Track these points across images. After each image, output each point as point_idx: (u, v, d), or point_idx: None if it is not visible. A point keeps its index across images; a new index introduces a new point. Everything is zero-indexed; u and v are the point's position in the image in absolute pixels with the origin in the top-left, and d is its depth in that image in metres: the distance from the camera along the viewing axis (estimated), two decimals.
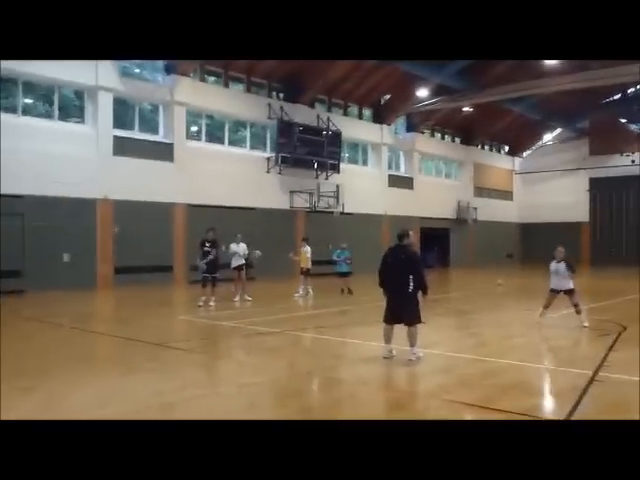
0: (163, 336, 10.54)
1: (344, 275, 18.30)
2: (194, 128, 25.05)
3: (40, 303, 16.06)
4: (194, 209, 23.33)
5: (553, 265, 11.75)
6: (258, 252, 16.72)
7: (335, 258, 18.67)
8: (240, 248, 16.30)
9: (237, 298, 15.88)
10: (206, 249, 14.81)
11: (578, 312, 11.44)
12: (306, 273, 18.05)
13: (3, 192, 17.96)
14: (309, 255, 18.13)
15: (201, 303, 14.61)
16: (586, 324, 11.24)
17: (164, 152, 22.98)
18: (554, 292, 11.63)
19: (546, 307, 11.74)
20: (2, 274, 17.92)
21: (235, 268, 16.24)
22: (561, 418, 4.60)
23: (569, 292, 11.49)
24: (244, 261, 16.27)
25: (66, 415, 5.67)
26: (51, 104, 20.48)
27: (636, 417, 5.64)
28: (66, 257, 19.90)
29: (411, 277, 8.10)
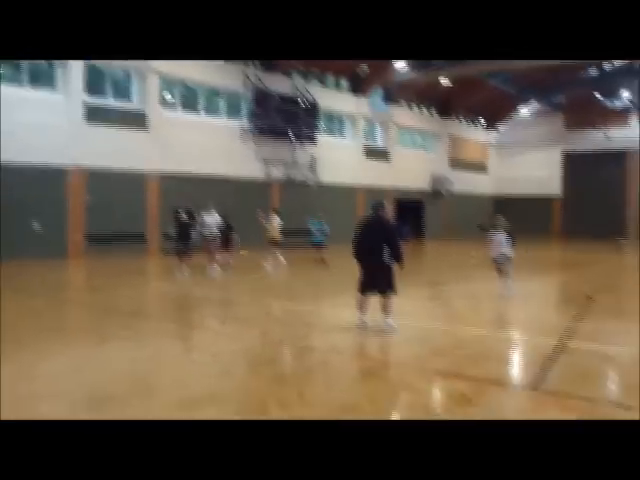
0: (137, 305, 10.51)
1: (318, 246, 18.33)
2: (168, 97, 24.64)
3: (10, 272, 15.84)
4: (168, 178, 23.08)
5: (492, 233, 11.96)
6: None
7: (311, 228, 18.70)
8: (213, 218, 16.18)
9: (212, 268, 15.79)
10: (181, 219, 14.69)
11: (504, 276, 11.62)
12: (275, 244, 18.01)
13: None
14: (277, 225, 18.08)
15: (184, 272, 14.54)
16: (511, 292, 11.42)
17: (137, 120, 22.61)
18: (496, 260, 11.73)
19: (501, 276, 11.77)
20: None
21: (208, 238, 16.15)
22: (559, 418, 4.67)
23: (505, 259, 11.61)
24: (217, 231, 16.17)
25: (41, 384, 5.65)
26: (21, 71, 19.96)
27: (599, 385, 5.79)
28: (36, 226, 19.58)
29: (386, 247, 8.14)
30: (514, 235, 11.79)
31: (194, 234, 15.12)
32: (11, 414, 4.77)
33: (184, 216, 14.70)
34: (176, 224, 14.70)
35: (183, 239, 14.68)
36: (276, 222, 18.05)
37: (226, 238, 17.01)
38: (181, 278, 14.32)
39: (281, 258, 17.77)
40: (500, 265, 11.70)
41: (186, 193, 20.86)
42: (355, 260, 8.57)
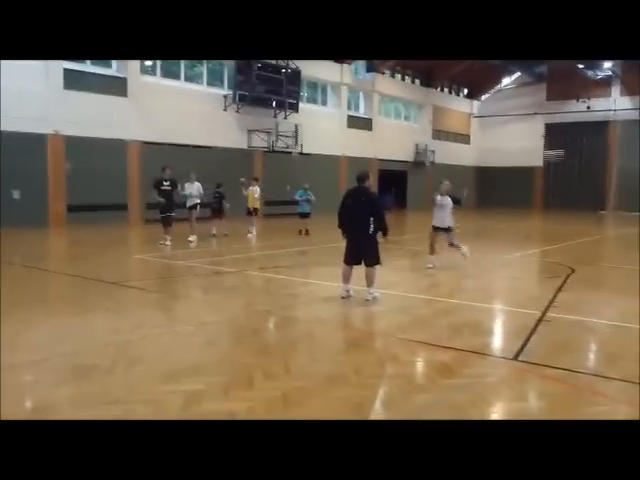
0: (119, 275, 10.44)
1: (304, 216, 18.35)
2: (148, 62, 24.18)
3: None
4: (149, 146, 22.80)
5: (438, 198, 11.66)
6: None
7: (297, 198, 18.69)
8: (194, 187, 16.08)
9: (192, 238, 15.71)
10: (164, 188, 14.54)
11: (455, 247, 11.80)
12: (254, 213, 18.07)
13: None
14: (257, 195, 18.12)
15: (167, 242, 14.50)
16: (465, 253, 11.75)
17: (117, 87, 22.21)
18: (436, 230, 11.68)
19: (432, 248, 11.73)
20: None
21: (189, 208, 16.07)
22: (557, 419, 4.74)
23: (447, 230, 11.59)
24: (198, 201, 16.10)
25: (23, 353, 5.63)
26: None
27: (579, 356, 5.90)
28: (16, 194, 19.30)
29: (371, 219, 8.15)
30: (458, 197, 11.82)
31: (175, 203, 15.03)
32: None
33: (168, 185, 14.55)
34: (158, 193, 14.55)
35: (166, 207, 14.57)
36: (256, 192, 18.10)
37: (219, 207, 17.24)
38: (164, 246, 14.26)
39: (255, 227, 17.79)
40: (437, 236, 11.68)
41: (167, 161, 20.64)
42: (340, 231, 8.58)
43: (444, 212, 11.51)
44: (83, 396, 4.56)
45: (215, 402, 4.42)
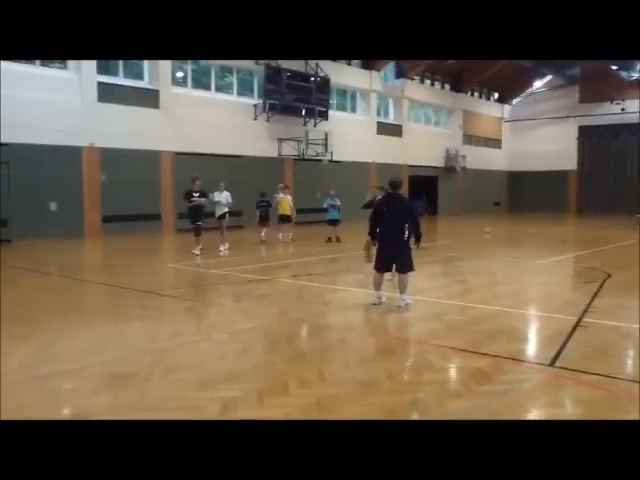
0: (154, 284, 10.59)
1: (333, 223, 18.39)
2: (180, 74, 24.55)
3: (27, 252, 16.00)
4: (181, 157, 23.09)
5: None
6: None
7: (324, 205, 18.76)
8: (223, 196, 16.19)
9: (222, 247, 15.82)
10: (194, 199, 14.71)
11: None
12: (287, 220, 18.36)
13: None
14: (289, 202, 18.46)
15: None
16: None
17: (150, 98, 22.57)
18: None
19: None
20: None
21: (219, 217, 16.18)
22: (560, 419, 4.69)
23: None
24: (227, 209, 16.21)
25: (61, 362, 5.75)
26: None
27: (615, 362, 5.81)
28: (53, 206, 19.72)
29: (406, 225, 8.14)
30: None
31: (206, 212, 15.21)
32: (33, 394, 4.88)
33: (198, 196, 14.72)
34: (189, 204, 14.73)
35: (195, 217, 14.74)
36: (288, 199, 18.38)
37: (266, 215, 17.86)
38: (197, 256, 14.42)
39: (286, 234, 18.07)
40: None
41: (199, 170, 20.89)
42: (369, 238, 8.57)
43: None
44: (121, 404, 4.64)
45: (250, 409, 4.45)
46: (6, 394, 4.82)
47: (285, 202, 18.44)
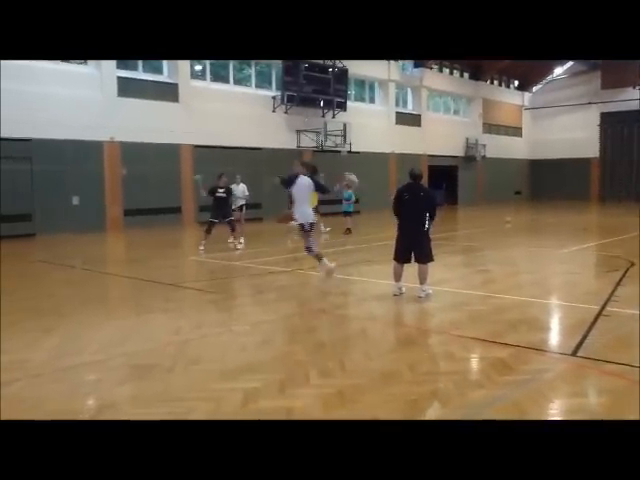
0: (176, 277, 10.69)
1: (348, 214, 18.51)
2: (198, 67, 24.63)
3: (51, 246, 16.23)
4: (200, 150, 23.21)
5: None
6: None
7: (342, 197, 18.83)
8: (239, 189, 16.24)
9: (234, 240, 15.78)
10: (219, 195, 14.78)
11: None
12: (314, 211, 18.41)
13: (10, 136, 17.89)
14: (316, 195, 18.41)
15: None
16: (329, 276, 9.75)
17: (169, 92, 22.69)
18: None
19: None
20: (12, 218, 18.08)
21: (235, 210, 16.15)
22: (563, 418, 4.66)
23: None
24: (244, 202, 16.29)
25: (86, 354, 5.84)
26: None
27: (638, 353, 5.75)
28: (75, 200, 19.96)
29: (427, 215, 8.12)
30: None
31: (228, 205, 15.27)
32: (59, 385, 4.97)
33: (223, 192, 14.78)
34: (214, 199, 14.79)
35: (222, 214, 14.80)
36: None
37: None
38: (235, 248, 14.67)
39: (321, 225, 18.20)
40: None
41: (218, 163, 20.98)
42: (396, 219, 8.48)
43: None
44: (145, 394, 4.71)
45: (272, 399, 4.50)
46: (34, 385, 4.93)
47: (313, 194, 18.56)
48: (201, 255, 13.70)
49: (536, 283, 9.84)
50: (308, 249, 9.56)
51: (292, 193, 9.70)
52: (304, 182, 9.57)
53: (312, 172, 9.27)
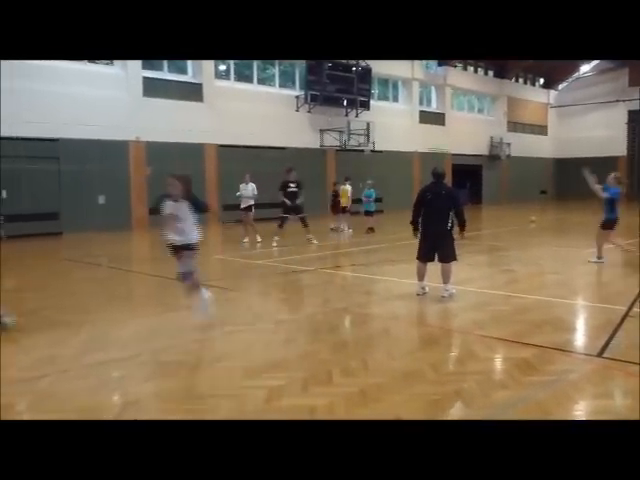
0: (200, 274, 10.74)
1: (369, 213, 18.55)
2: (222, 67, 24.79)
3: (78, 244, 16.45)
4: (224, 149, 23.34)
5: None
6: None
7: (366, 196, 18.89)
8: (249, 189, 15.81)
9: (246, 240, 15.71)
10: (291, 189, 14.90)
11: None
12: (344, 211, 18.62)
13: (38, 136, 18.19)
14: (349, 194, 18.64)
15: (274, 243, 14.79)
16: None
17: (193, 92, 22.88)
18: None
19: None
20: (40, 216, 18.37)
21: (244, 209, 15.90)
22: (572, 418, 4.62)
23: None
24: (252, 202, 15.87)
25: (113, 350, 5.92)
26: None
27: None
28: (101, 199, 20.22)
29: (450, 214, 8.09)
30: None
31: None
32: (86, 381, 5.05)
33: (295, 186, 15.03)
34: (285, 195, 15.00)
35: (294, 209, 15.10)
36: (347, 190, 18.63)
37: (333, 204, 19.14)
38: (310, 243, 14.91)
39: (346, 224, 18.36)
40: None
41: (242, 162, 21.09)
42: (413, 227, 8.51)
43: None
44: (170, 391, 4.77)
45: (295, 397, 4.52)
46: (62, 381, 5.02)
47: (344, 192, 18.78)
48: (274, 247, 14.29)
49: (561, 283, 9.74)
50: (185, 275, 7.31)
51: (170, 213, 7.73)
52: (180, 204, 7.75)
53: (186, 187, 7.68)
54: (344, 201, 18.66)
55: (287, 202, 14.93)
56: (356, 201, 20.13)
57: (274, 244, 14.68)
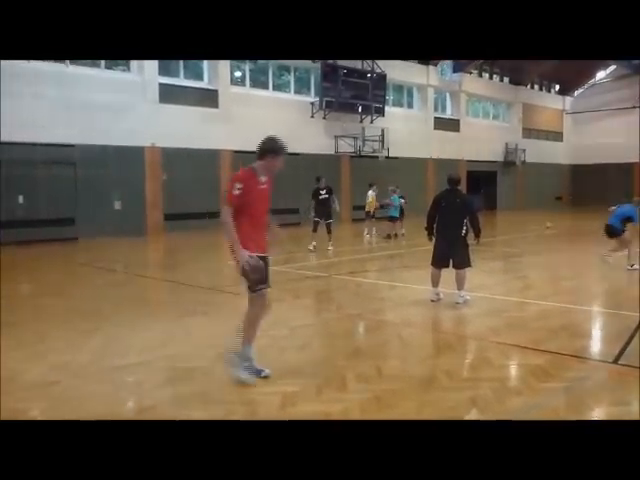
0: (215, 281, 10.82)
1: (393, 219, 18.54)
2: (238, 74, 24.92)
3: (93, 250, 16.58)
4: (240, 155, 23.41)
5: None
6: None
7: (393, 203, 18.84)
8: None
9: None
10: (322, 197, 15.17)
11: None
12: (370, 216, 18.80)
13: (55, 142, 18.38)
14: (373, 199, 18.93)
15: (311, 247, 14.95)
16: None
17: (209, 98, 23.01)
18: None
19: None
20: (56, 222, 18.53)
21: None
22: (581, 414, 4.60)
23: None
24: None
25: (128, 355, 5.97)
26: None
27: None
28: (117, 205, 20.36)
29: (465, 221, 8.09)
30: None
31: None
32: (101, 386, 5.09)
33: (326, 192, 15.43)
34: (317, 202, 15.40)
35: (325, 215, 15.42)
36: (372, 195, 18.90)
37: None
38: (328, 250, 14.95)
39: (373, 230, 18.73)
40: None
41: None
42: (427, 232, 8.51)
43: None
44: (185, 396, 4.79)
45: (310, 403, 4.54)
46: (77, 386, 5.06)
47: (371, 198, 19.31)
48: (312, 252, 14.46)
49: (577, 289, 9.68)
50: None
51: None
52: None
53: None
54: (369, 206, 18.89)
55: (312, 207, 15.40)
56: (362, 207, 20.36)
57: (310, 247, 14.88)
